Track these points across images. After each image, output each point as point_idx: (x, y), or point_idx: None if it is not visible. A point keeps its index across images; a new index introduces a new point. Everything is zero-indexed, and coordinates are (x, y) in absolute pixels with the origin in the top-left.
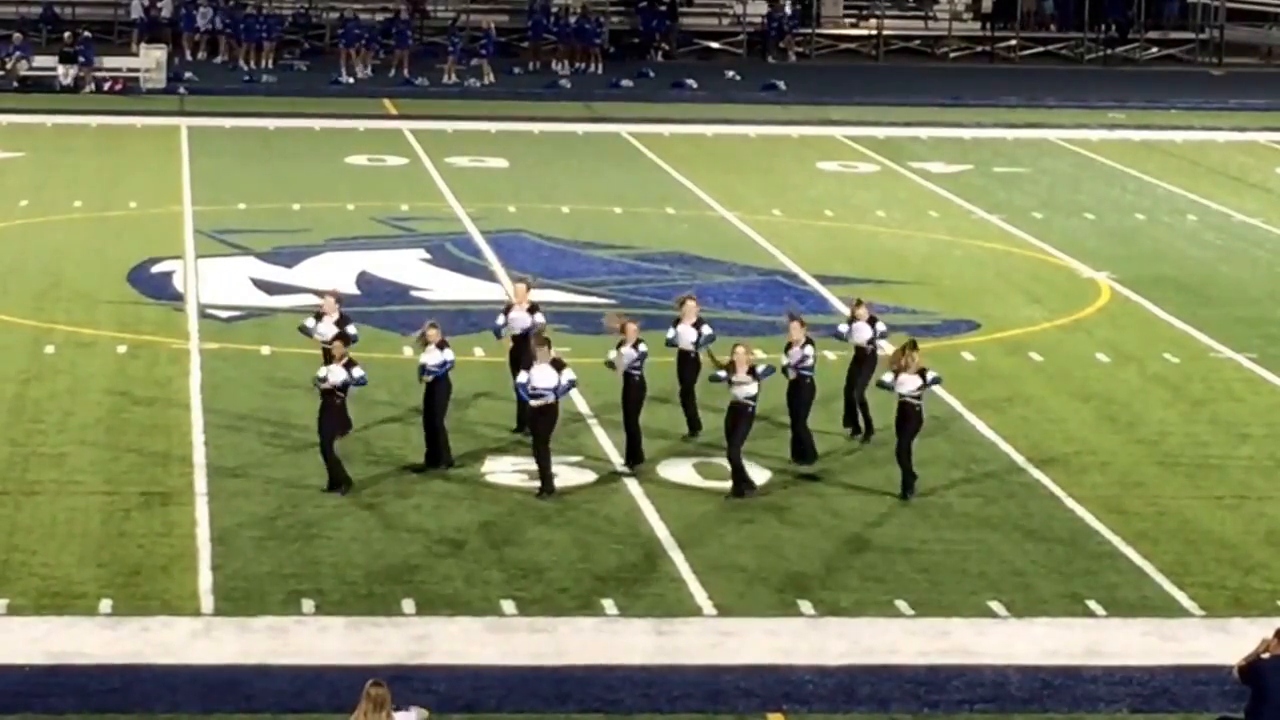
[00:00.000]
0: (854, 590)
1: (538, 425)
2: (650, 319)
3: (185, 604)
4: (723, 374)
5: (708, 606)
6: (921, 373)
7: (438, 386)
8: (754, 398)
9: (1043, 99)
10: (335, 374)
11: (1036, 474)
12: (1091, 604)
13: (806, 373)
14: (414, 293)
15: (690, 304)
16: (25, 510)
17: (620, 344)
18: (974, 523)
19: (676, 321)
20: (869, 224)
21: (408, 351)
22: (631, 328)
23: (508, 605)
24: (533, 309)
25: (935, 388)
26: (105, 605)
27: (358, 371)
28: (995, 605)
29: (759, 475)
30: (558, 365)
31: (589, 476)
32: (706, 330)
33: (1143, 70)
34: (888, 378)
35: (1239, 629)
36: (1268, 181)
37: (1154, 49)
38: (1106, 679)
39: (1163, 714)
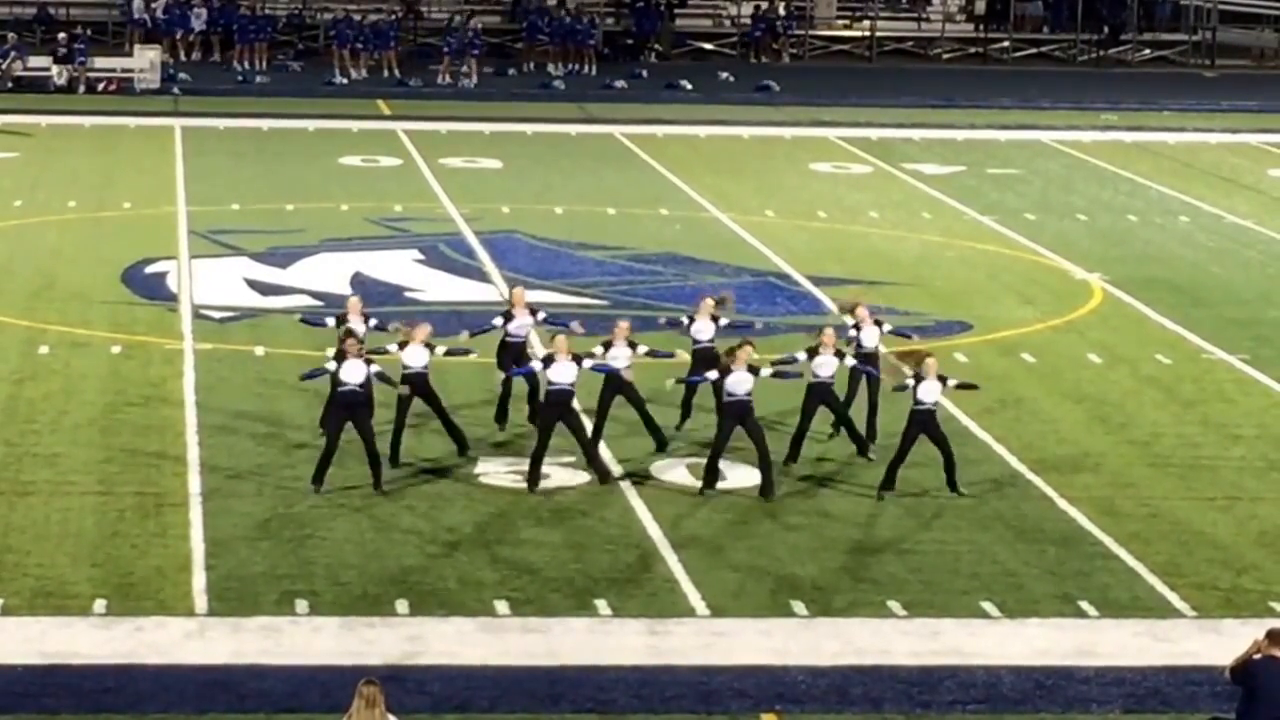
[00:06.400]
0: (847, 591)
1: (566, 414)
2: (644, 321)
3: (179, 604)
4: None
5: (701, 607)
6: (941, 379)
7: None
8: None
9: (1035, 100)
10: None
11: (1029, 475)
12: (1084, 604)
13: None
14: (407, 293)
15: (707, 301)
16: (19, 510)
17: (608, 346)
18: (966, 523)
19: (691, 320)
20: (862, 225)
21: (392, 349)
22: (624, 325)
23: (501, 605)
24: (533, 310)
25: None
26: (99, 605)
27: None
28: (988, 606)
29: (753, 477)
30: (578, 360)
31: (583, 477)
32: (723, 321)
33: (1135, 72)
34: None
35: (1231, 630)
36: (1260, 183)
37: (1146, 51)
38: (1099, 679)
39: (1155, 714)
